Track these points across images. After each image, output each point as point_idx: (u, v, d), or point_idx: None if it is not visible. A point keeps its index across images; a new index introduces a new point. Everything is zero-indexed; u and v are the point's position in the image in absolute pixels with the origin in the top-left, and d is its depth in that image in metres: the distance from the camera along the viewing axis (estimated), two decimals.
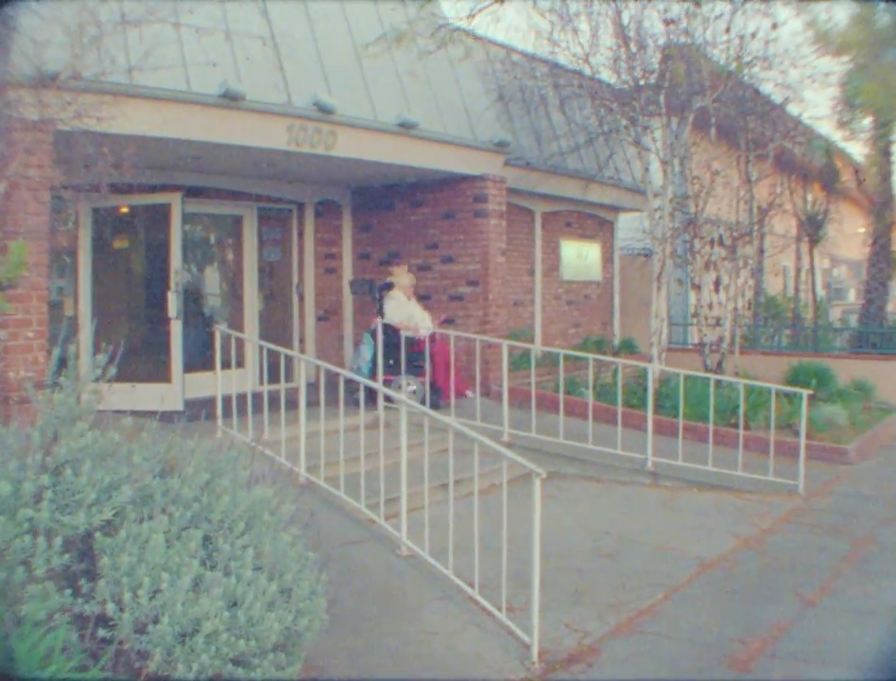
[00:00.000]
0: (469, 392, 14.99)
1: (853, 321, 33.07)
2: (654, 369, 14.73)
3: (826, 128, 53.20)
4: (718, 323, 19.21)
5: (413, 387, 14.80)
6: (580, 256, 22.38)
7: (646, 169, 17.64)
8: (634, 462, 13.11)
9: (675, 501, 12.07)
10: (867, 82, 19.57)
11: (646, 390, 14.07)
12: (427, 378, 14.64)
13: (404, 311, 15.39)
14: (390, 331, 15.01)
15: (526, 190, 18.91)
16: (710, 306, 19.24)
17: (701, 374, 15.84)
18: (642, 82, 16.98)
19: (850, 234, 36.94)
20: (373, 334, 15.07)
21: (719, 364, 18.54)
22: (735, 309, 19.37)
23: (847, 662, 7.06)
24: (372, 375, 14.56)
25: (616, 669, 6.91)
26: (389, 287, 15.66)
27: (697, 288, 19.07)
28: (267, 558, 5.40)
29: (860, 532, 10.94)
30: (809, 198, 29.87)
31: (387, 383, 14.41)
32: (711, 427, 13.14)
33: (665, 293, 17.68)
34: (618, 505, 11.82)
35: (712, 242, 18.94)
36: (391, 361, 14.86)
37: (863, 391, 19.77)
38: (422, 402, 14.04)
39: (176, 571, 4.90)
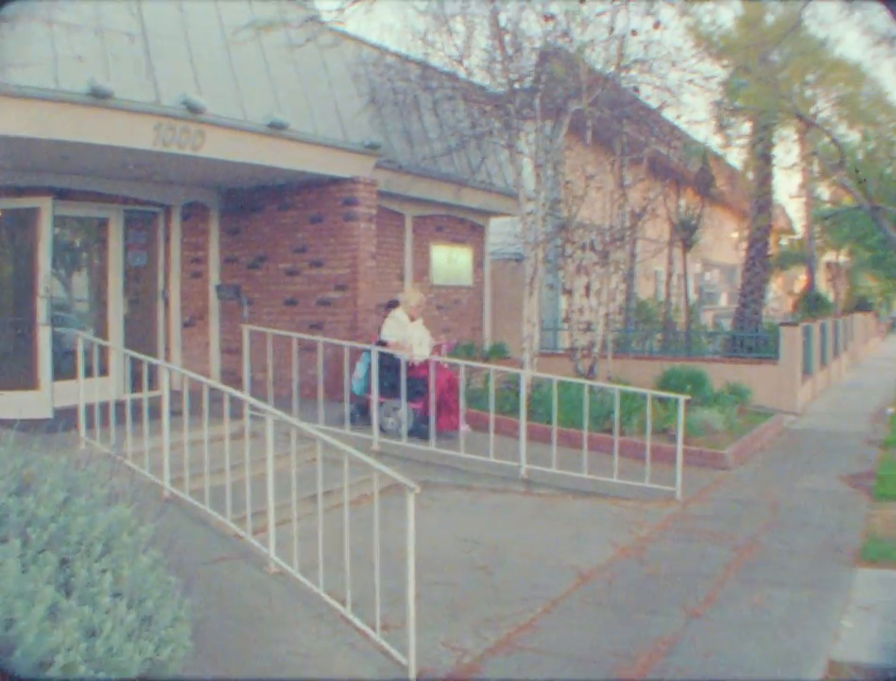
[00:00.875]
0: (463, 427, 14.06)
1: (725, 325, 33.51)
2: (526, 375, 14.53)
3: (704, 132, 54.15)
4: (590, 327, 19.13)
5: (401, 413, 14.26)
6: (451, 261, 22.21)
7: (519, 173, 17.48)
8: (508, 469, 12.92)
9: (550, 509, 11.88)
10: (748, 86, 19.68)
11: (518, 396, 13.89)
12: (403, 404, 14.05)
13: (401, 332, 14.86)
14: (389, 352, 14.46)
15: (398, 194, 18.62)
16: (581, 311, 19.16)
17: (575, 379, 15.71)
18: (517, 85, 16.80)
19: (722, 238, 37.49)
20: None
21: (591, 369, 18.41)
22: (607, 314, 19.29)
23: (738, 676, 6.90)
24: (365, 394, 14.36)
25: None
26: (394, 304, 15.37)
27: (569, 292, 18.97)
28: (127, 583, 5.04)
29: (741, 539, 10.83)
30: (683, 202, 30.14)
31: (381, 405, 14.15)
32: (585, 433, 12.97)
33: (537, 298, 17.53)
34: (492, 514, 11.57)
35: (584, 247, 18.84)
36: (387, 383, 14.16)
37: (738, 395, 19.88)
38: (411, 431, 13.86)
39: (30, 598, 4.52)
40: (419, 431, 13.94)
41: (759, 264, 27.85)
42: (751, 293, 27.75)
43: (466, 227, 22.78)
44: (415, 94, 18.84)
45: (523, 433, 12.92)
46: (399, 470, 7.17)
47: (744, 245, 28.96)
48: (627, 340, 25.22)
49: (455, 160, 20.00)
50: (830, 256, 51.82)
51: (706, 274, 43.58)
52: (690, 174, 28.51)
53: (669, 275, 31.61)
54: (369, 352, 14.38)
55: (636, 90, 17.96)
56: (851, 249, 35.96)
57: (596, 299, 18.83)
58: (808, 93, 19.72)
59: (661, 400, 15.03)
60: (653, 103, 18.86)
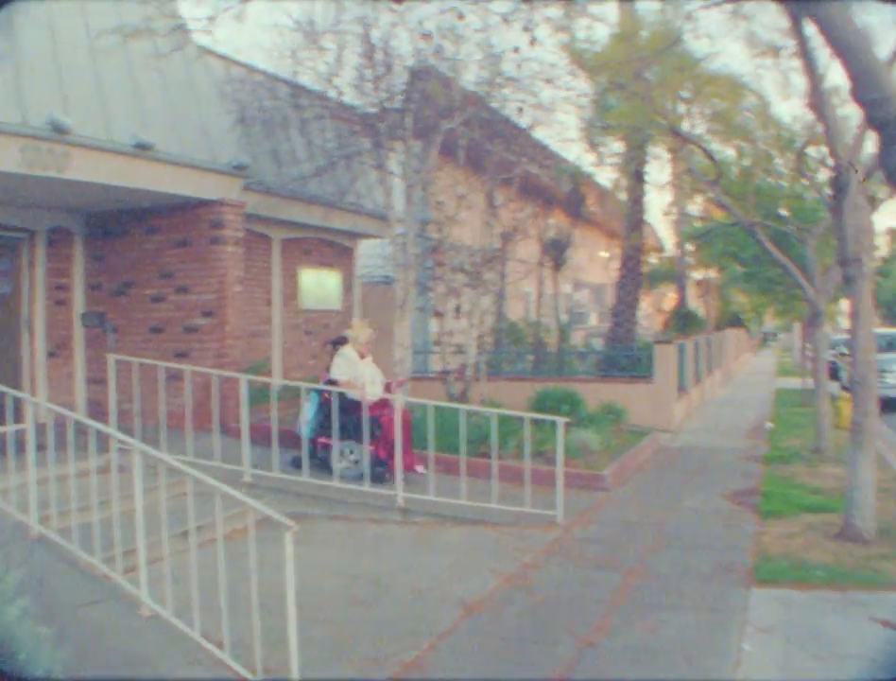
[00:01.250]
0: (419, 468, 13.85)
1: (596, 344, 33.61)
2: (400, 400, 14.25)
3: (575, 152, 54.48)
4: (461, 350, 18.97)
5: (355, 456, 13.86)
6: (320, 285, 21.88)
7: (389, 194, 17.19)
8: (384, 498, 12.64)
9: (430, 539, 11.58)
10: (622, 102, 19.66)
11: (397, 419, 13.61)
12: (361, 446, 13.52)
13: (351, 370, 14.40)
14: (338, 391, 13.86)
15: (266, 216, 18.29)
16: (452, 333, 19.00)
17: (449, 404, 15.51)
18: (388, 104, 16.53)
19: (592, 258, 37.69)
20: (320, 392, 14.11)
21: (464, 392, 18.26)
22: (479, 336, 19.16)
23: None
24: (315, 436, 13.87)
25: None
26: (343, 341, 14.90)
27: (440, 314, 18.79)
28: None
29: (629, 562, 10.68)
30: (553, 223, 30.16)
31: (326, 448, 13.69)
32: (463, 458, 12.72)
33: (409, 321, 17.29)
34: (372, 546, 11.22)
35: (455, 269, 18.67)
36: (339, 425, 13.51)
37: (614, 414, 19.94)
38: (364, 474, 13.31)
39: None
40: (375, 474, 13.48)
41: (631, 282, 28.00)
42: (624, 312, 27.88)
43: (335, 250, 22.49)
44: (284, 113, 18.47)
45: (398, 461, 12.63)
46: (272, 502, 6.88)
47: (615, 264, 29.08)
48: (498, 361, 25.00)
49: (324, 181, 19.68)
50: (700, 274, 52.51)
51: (576, 294, 43.79)
52: (561, 194, 28.52)
53: (540, 295, 31.60)
54: (317, 392, 14.03)
55: (520, 110, 17.80)
56: (721, 265, 36.38)
57: (468, 321, 18.67)
58: (683, 109, 19.74)
59: (537, 422, 14.83)
60: (526, 122, 18.72)
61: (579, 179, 28.19)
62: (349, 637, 7.94)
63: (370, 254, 23.48)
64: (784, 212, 22.19)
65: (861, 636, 8.18)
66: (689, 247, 40.88)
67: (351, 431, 13.51)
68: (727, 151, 21.93)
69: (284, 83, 18.11)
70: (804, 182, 20.61)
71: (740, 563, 10.61)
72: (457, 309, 19.04)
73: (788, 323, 64.06)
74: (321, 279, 21.96)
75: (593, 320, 46.70)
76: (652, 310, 57.06)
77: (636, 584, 9.88)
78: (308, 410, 14.10)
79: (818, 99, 11.88)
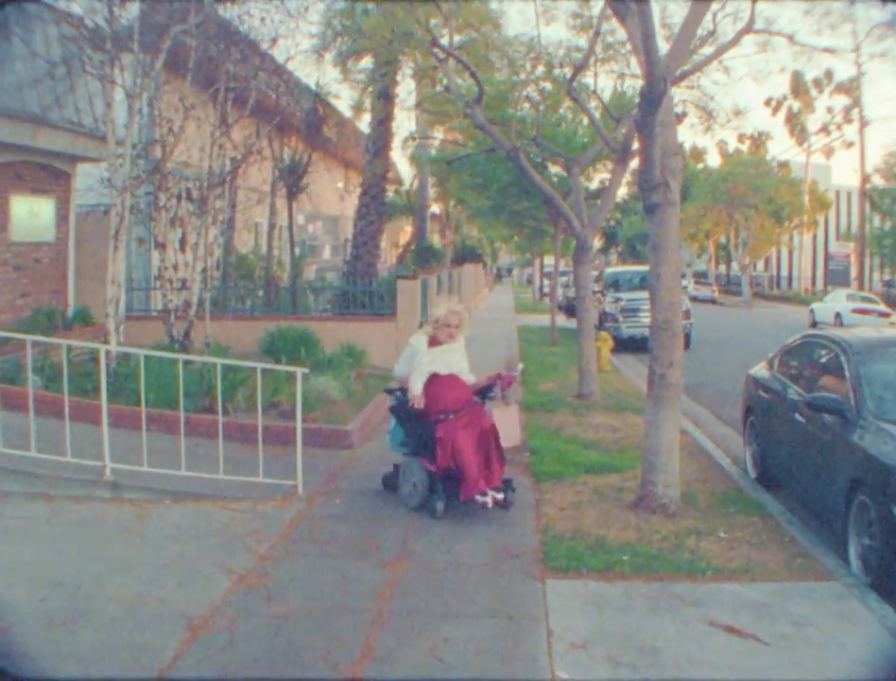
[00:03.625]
0: (494, 497, 10.08)
1: (332, 279, 32.04)
2: (107, 348, 12.09)
3: (319, 69, 52.48)
4: (185, 286, 17.07)
5: (415, 477, 10.45)
6: (32, 214, 19.32)
7: (109, 105, 15.05)
8: (89, 471, 10.24)
9: (144, 523, 9.41)
10: (371, 17, 18.29)
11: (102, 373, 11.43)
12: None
13: (408, 365, 10.77)
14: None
15: None
16: (176, 268, 16.89)
17: (167, 354, 13.40)
18: (118, 10, 14.55)
19: (326, 189, 35.99)
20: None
21: (187, 333, 16.61)
22: (205, 270, 17.23)
23: None
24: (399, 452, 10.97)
25: None
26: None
27: (163, 246, 16.64)
28: None
29: (390, 549, 8.94)
30: (288, 149, 28.20)
31: (397, 469, 10.90)
32: (182, 416, 10.72)
33: (124, 254, 15.14)
34: (74, 535, 8.93)
35: (179, 196, 16.62)
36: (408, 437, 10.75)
37: (353, 357, 18.37)
38: (422, 503, 10.28)
39: None
40: (429, 505, 10.18)
41: (374, 212, 26.56)
42: (365, 244, 26.46)
43: (49, 175, 19.84)
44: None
45: (105, 422, 10.27)
46: None
47: (352, 196, 27.70)
48: (226, 298, 23.13)
49: (38, 94, 17.04)
50: (438, 207, 51.56)
51: (309, 226, 41.64)
52: (298, 119, 26.63)
53: (272, 227, 29.55)
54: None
55: (262, 20, 16.05)
56: (462, 199, 35.54)
57: (193, 254, 16.69)
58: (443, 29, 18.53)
59: (271, 371, 12.88)
60: (266, 34, 17.37)
61: (319, 101, 26.47)
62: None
63: (89, 181, 20.89)
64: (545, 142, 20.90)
65: (707, 649, 6.80)
66: (432, 179, 40.00)
67: (417, 445, 10.64)
68: (486, 75, 20.60)
69: None
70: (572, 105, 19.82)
71: (525, 544, 9.11)
72: (181, 241, 16.98)
73: (530, 258, 64.19)
74: (34, 208, 19.43)
75: (327, 253, 44.82)
76: (387, 244, 55.67)
77: (402, 578, 8.13)
78: (392, 420, 11.18)
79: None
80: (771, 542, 9.42)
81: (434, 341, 10.66)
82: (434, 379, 10.40)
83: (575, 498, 10.77)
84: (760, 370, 13.48)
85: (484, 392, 10.87)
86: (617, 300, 32.04)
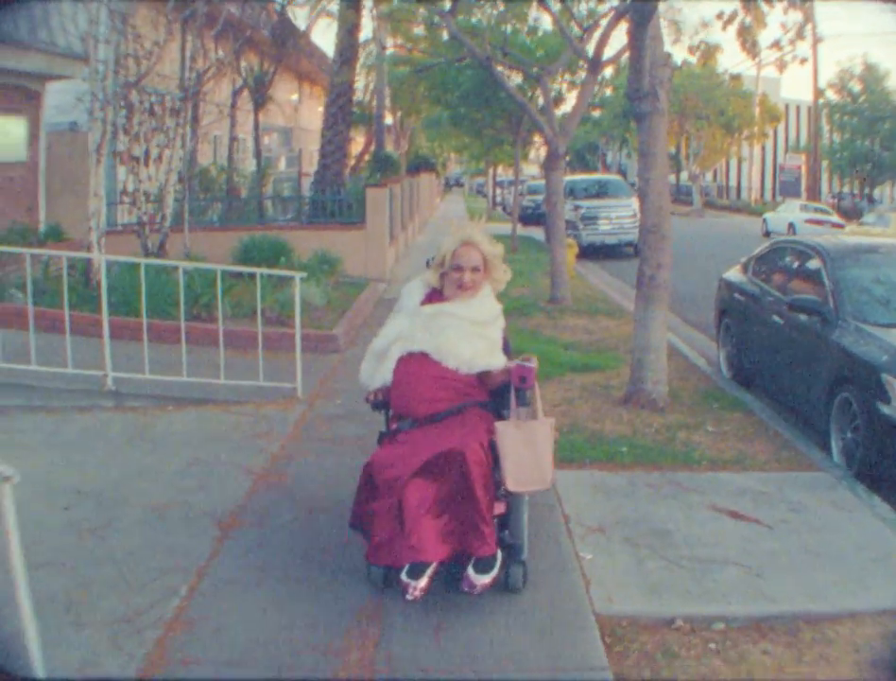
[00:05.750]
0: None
1: (289, 190, 31.95)
2: (99, 258, 12.18)
3: None
4: (152, 199, 16.89)
5: None
6: (4, 134, 19.44)
7: (94, 21, 14.90)
8: (91, 381, 10.37)
9: (152, 429, 9.60)
10: None
11: (87, 285, 11.53)
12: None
13: (392, 332, 6.68)
14: None
15: None
16: (144, 181, 16.85)
17: (167, 262, 13.54)
18: None
19: (281, 101, 35.80)
20: None
21: (162, 245, 16.45)
22: (181, 181, 17.18)
23: None
24: None
25: None
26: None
27: (136, 160, 16.56)
28: None
29: None
30: (246, 63, 28.03)
31: None
32: (182, 325, 10.86)
33: (103, 168, 15.09)
34: (84, 445, 9.03)
35: (147, 110, 16.54)
36: None
37: (329, 265, 18.48)
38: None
39: None
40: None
41: (342, 121, 26.42)
42: (333, 153, 26.32)
43: (20, 94, 19.70)
44: None
45: (106, 333, 10.37)
46: None
47: (310, 105, 27.53)
48: (193, 210, 22.93)
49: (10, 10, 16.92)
50: (392, 118, 51.38)
51: (265, 138, 41.53)
52: (260, 34, 26.50)
53: (233, 139, 29.42)
54: None
55: None
56: (416, 109, 35.46)
57: (164, 166, 16.60)
58: None
59: (250, 276, 13.05)
60: None
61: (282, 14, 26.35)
62: (85, 586, 6.01)
63: (58, 100, 20.69)
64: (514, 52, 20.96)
65: (715, 532, 7.19)
66: (390, 89, 39.77)
67: None
68: None
69: None
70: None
71: None
72: (147, 154, 16.91)
73: (484, 168, 64.05)
74: (6, 128, 19.52)
75: (283, 165, 44.69)
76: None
77: None
78: None
79: None
80: (757, 435, 9.84)
81: (434, 296, 6.78)
82: (400, 362, 6.44)
83: (566, 395, 11.16)
84: (734, 273, 13.76)
85: (499, 392, 6.53)
86: (577, 207, 32.09)
